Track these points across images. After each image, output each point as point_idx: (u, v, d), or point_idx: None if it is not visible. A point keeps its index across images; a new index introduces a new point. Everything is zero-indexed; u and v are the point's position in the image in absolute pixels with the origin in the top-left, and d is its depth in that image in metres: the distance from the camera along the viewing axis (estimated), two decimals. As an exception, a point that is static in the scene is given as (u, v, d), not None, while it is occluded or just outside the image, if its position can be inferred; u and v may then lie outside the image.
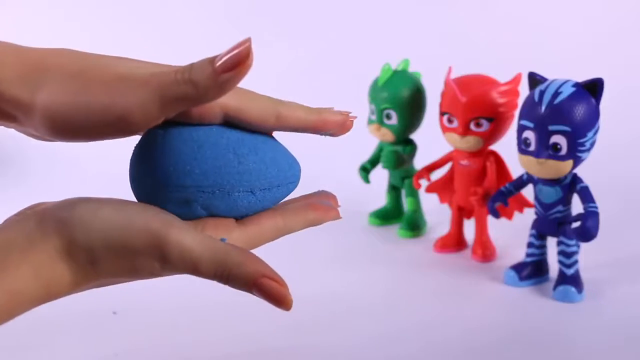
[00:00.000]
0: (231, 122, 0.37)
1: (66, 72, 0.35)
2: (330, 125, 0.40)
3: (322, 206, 0.41)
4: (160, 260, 0.34)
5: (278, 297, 0.35)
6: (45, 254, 0.34)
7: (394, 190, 0.87)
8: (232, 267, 0.35)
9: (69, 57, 0.36)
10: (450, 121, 0.73)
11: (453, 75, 0.74)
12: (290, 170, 0.40)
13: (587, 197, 0.63)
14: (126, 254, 0.34)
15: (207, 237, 0.35)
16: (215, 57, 0.33)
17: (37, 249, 0.34)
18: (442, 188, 0.79)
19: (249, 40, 0.33)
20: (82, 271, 0.34)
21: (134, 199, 0.38)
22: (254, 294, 0.35)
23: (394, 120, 0.79)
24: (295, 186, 0.40)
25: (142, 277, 0.36)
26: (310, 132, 0.40)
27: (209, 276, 0.35)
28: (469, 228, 0.78)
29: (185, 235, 0.34)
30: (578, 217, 0.63)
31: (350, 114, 0.40)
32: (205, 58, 0.34)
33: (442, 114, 0.74)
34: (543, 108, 0.62)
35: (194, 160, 0.35)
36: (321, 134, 0.40)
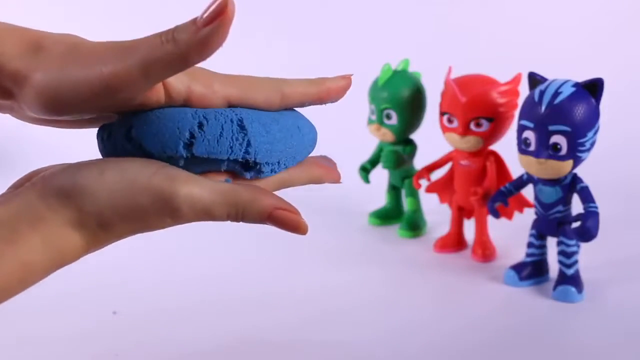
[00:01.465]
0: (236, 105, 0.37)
1: (61, 49, 0.35)
2: (334, 92, 0.41)
3: (326, 166, 0.41)
4: (171, 215, 0.35)
5: (293, 225, 0.36)
6: (54, 224, 0.34)
7: (394, 190, 0.87)
8: (245, 206, 0.35)
9: (68, 37, 0.37)
10: (450, 121, 0.73)
11: (453, 75, 0.74)
12: (310, 134, 0.40)
13: (587, 197, 0.63)
14: (136, 215, 0.34)
15: (213, 182, 0.36)
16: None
17: (45, 221, 0.34)
18: (442, 188, 0.79)
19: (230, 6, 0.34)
20: (93, 236, 0.35)
21: None
22: (270, 225, 0.36)
23: (394, 120, 0.79)
24: (313, 149, 0.41)
25: (155, 230, 0.36)
26: (315, 104, 0.41)
27: (223, 218, 0.36)
28: (469, 228, 0.78)
29: (192, 186, 0.35)
30: (578, 217, 0.63)
31: (350, 75, 0.41)
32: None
33: (442, 114, 0.74)
34: (543, 108, 0.62)
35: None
36: (323, 103, 0.41)
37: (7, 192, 0.37)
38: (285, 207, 0.36)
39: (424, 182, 0.80)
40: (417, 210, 0.84)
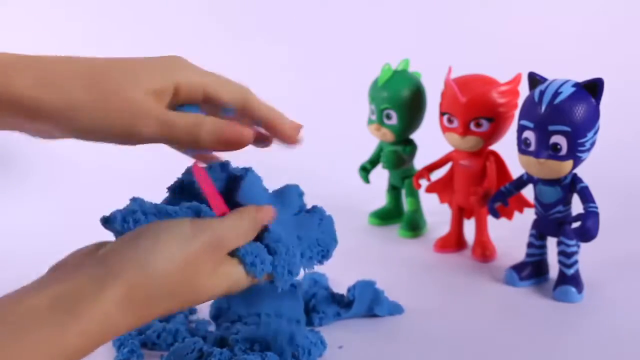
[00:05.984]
0: (208, 99, 0.45)
1: (81, 80, 0.41)
2: (280, 132, 0.47)
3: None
4: None
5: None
6: (112, 301, 0.38)
7: (394, 190, 0.87)
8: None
9: (77, 63, 0.42)
10: (450, 121, 0.73)
11: (453, 75, 0.74)
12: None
13: (587, 197, 0.63)
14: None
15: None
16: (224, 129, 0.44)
17: (106, 296, 0.38)
18: (442, 188, 0.79)
19: (250, 133, 0.45)
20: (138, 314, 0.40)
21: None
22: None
23: (394, 120, 0.79)
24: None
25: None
26: (267, 129, 0.48)
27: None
28: (469, 228, 0.78)
29: None
30: (578, 217, 0.63)
31: (301, 129, 0.48)
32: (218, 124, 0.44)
33: (442, 114, 0.74)
34: (543, 108, 0.62)
35: None
36: (275, 139, 0.48)
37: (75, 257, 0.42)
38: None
39: (424, 182, 0.80)
40: (417, 210, 0.84)
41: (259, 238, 0.47)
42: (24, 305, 0.36)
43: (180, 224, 0.42)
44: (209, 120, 0.44)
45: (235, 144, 0.44)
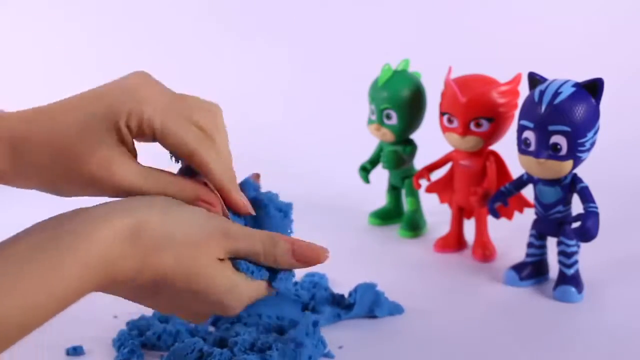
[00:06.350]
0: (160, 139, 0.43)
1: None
2: (229, 201, 0.45)
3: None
4: None
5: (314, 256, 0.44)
6: (117, 228, 0.38)
7: (394, 190, 0.87)
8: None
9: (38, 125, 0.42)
10: (450, 121, 0.73)
11: (453, 75, 0.74)
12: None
13: (587, 197, 0.63)
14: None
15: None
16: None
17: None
18: (442, 188, 0.79)
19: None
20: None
21: None
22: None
23: (394, 120, 0.79)
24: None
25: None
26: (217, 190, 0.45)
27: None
28: (469, 228, 0.78)
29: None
30: (578, 217, 0.63)
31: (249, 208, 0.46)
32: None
33: (442, 114, 0.74)
34: (543, 108, 0.61)
35: None
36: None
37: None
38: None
39: (424, 182, 0.80)
40: (417, 210, 0.84)
41: None
42: (22, 242, 0.36)
43: (193, 207, 0.42)
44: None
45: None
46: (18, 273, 0.34)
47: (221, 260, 0.42)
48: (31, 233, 0.37)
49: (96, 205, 0.40)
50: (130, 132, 0.41)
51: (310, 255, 0.44)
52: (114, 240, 0.37)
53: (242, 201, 0.45)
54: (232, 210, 0.45)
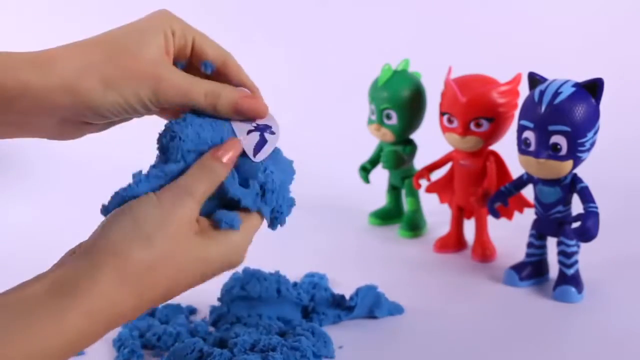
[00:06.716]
0: (194, 51, 0.46)
1: (94, 47, 0.43)
2: (248, 102, 0.46)
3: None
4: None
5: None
6: (108, 278, 0.38)
7: (394, 190, 0.87)
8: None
9: (77, 44, 0.43)
10: (450, 121, 0.73)
11: (453, 75, 0.74)
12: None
13: (587, 197, 0.63)
14: None
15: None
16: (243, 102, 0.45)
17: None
18: (442, 188, 0.79)
19: (266, 109, 0.46)
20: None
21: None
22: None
23: (394, 120, 0.79)
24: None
25: None
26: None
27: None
28: (469, 228, 0.78)
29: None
30: (578, 217, 0.63)
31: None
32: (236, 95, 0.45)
33: (442, 114, 0.74)
34: (543, 108, 0.62)
35: None
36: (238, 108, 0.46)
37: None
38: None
39: (424, 182, 0.80)
40: (417, 210, 0.84)
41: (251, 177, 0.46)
42: (23, 293, 0.37)
43: (146, 199, 0.42)
44: (227, 91, 0.45)
45: (251, 116, 0.46)
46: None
47: (200, 232, 0.43)
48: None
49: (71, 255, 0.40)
50: (174, 37, 0.45)
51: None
52: (106, 296, 0.38)
53: (265, 105, 0.47)
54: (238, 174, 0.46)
